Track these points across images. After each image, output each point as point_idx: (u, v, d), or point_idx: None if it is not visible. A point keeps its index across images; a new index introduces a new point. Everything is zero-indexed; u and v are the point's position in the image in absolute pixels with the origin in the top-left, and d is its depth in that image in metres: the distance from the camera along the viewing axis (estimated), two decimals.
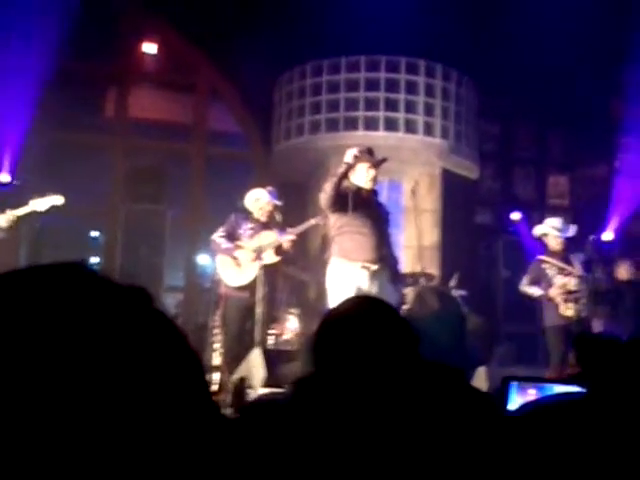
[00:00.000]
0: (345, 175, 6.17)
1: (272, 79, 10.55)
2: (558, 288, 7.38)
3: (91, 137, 10.84)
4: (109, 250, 10.22)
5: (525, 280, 7.64)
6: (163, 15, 10.62)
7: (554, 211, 11.44)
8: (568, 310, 7.32)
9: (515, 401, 2.14)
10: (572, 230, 7.68)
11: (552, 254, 7.56)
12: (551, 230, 7.63)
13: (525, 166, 12.25)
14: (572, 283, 7.42)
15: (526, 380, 2.24)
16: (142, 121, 11.05)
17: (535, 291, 7.50)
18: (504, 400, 2.18)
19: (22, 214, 6.55)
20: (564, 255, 7.57)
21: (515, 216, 10.73)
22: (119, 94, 11.04)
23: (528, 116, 11.87)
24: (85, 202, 10.29)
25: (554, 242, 7.57)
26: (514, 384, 2.19)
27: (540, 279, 7.52)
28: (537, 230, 7.81)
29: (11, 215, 6.40)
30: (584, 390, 1.96)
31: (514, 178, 12.17)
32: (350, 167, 6.19)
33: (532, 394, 2.15)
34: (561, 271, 7.46)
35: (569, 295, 7.38)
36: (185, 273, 10.76)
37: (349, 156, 6.17)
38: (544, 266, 7.56)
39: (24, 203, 6.65)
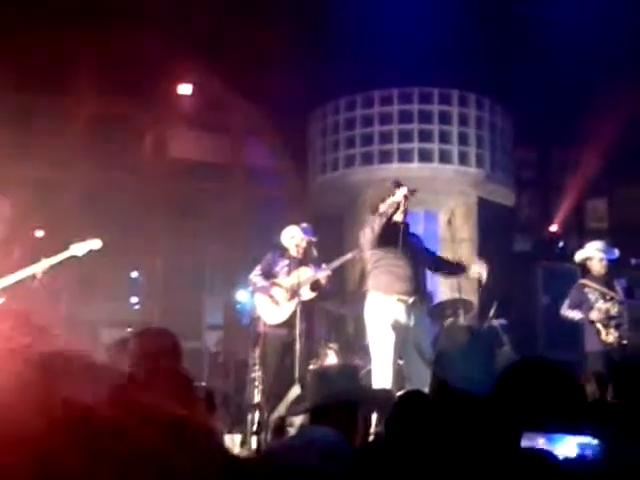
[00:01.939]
0: (394, 214, 6.18)
1: (306, 115, 10.63)
2: (600, 313, 7.27)
3: (130, 180, 11.00)
4: (149, 289, 10.32)
5: (566, 304, 7.54)
6: (197, 56, 10.78)
7: (593, 235, 11.35)
8: (609, 336, 7.21)
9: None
10: (616, 252, 7.57)
11: (594, 278, 7.45)
12: (595, 253, 7.51)
13: (562, 191, 12.17)
14: (614, 309, 7.31)
15: (535, 430, 2.15)
16: (180, 161, 11.20)
17: (575, 315, 7.40)
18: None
19: (59, 260, 6.61)
20: (606, 279, 7.46)
21: (553, 229, 10.66)
22: (156, 136, 11.20)
23: (564, 141, 11.80)
24: (124, 244, 10.43)
25: (598, 266, 7.46)
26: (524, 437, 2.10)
27: (581, 303, 7.41)
28: (580, 254, 7.70)
29: (46, 264, 6.47)
30: (597, 444, 1.93)
31: (552, 204, 12.09)
32: (399, 206, 6.19)
33: (541, 444, 2.08)
34: (603, 296, 7.35)
35: (610, 321, 7.27)
36: (224, 311, 10.82)
37: (399, 195, 6.16)
38: (586, 290, 7.45)
39: (61, 248, 6.73)
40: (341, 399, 3.35)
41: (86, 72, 10.70)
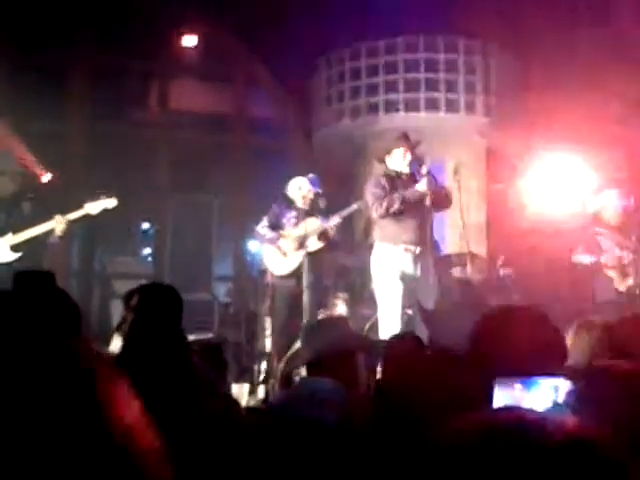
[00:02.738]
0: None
1: (310, 65, 10.57)
2: (613, 259, 7.19)
3: (135, 131, 11.02)
4: (160, 241, 10.40)
5: (579, 249, 7.47)
6: (201, 7, 10.71)
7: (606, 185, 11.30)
8: (621, 285, 7.16)
9: (500, 398, 2.07)
10: (631, 201, 7.46)
11: (609, 227, 7.37)
12: (609, 201, 7.42)
13: None
14: (628, 257, 7.23)
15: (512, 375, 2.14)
16: (184, 113, 11.20)
17: (585, 258, 7.30)
18: (488, 399, 2.09)
19: (75, 217, 6.69)
20: (621, 228, 7.36)
21: None
22: (161, 87, 11.19)
23: (574, 87, 11.69)
24: (133, 196, 10.49)
25: (612, 214, 7.37)
26: (498, 380, 2.10)
27: (595, 249, 7.33)
28: (594, 203, 7.60)
29: (65, 221, 6.56)
30: (571, 390, 1.95)
31: None
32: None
33: (518, 389, 2.09)
34: (618, 244, 7.28)
35: (623, 269, 7.20)
36: (234, 262, 10.91)
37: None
38: (598, 238, 7.38)
39: (75, 204, 6.79)
40: (334, 349, 3.41)
41: (89, 24, 10.67)
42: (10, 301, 2.31)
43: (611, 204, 7.38)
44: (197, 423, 2.56)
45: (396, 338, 4.41)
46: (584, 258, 7.29)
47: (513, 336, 2.17)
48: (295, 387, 3.77)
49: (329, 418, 2.91)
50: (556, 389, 2.04)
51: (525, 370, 2.11)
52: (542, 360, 2.15)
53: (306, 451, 2.64)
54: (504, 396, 2.07)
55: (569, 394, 1.99)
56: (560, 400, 2.01)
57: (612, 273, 7.19)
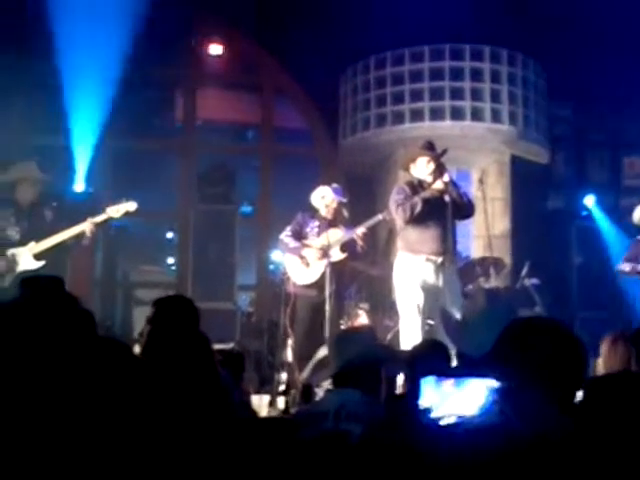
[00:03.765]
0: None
1: (336, 74, 10.55)
2: None
3: (161, 141, 11.05)
4: (183, 251, 10.41)
5: (622, 259, 7.48)
6: (227, 16, 10.73)
7: (630, 192, 11.20)
8: None
9: (430, 396, 2.22)
10: None
11: None
12: None
13: (598, 148, 11.99)
14: None
15: (443, 374, 2.30)
16: (210, 122, 11.22)
17: (627, 266, 7.30)
18: (415, 395, 2.25)
19: (99, 221, 6.72)
20: None
21: (589, 200, 10.53)
22: (187, 97, 11.21)
23: (599, 97, 11.60)
24: (158, 205, 10.52)
25: None
26: (429, 378, 2.25)
27: (636, 257, 7.32)
28: (637, 212, 7.58)
29: (92, 223, 6.59)
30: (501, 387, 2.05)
31: (587, 161, 11.93)
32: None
33: (448, 385, 2.23)
34: None
35: None
36: (257, 271, 10.89)
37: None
38: None
39: (99, 210, 6.81)
40: (364, 361, 3.37)
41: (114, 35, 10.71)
42: (18, 308, 2.29)
43: None
44: (219, 431, 2.53)
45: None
46: (624, 267, 7.29)
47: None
48: (323, 399, 3.74)
49: (356, 431, 2.88)
50: (489, 389, 2.12)
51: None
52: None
53: (334, 464, 2.62)
54: (434, 392, 2.21)
55: (496, 394, 2.09)
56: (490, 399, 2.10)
57: None
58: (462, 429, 2.06)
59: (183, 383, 2.58)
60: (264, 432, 2.84)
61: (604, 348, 4.11)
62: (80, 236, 6.60)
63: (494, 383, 2.16)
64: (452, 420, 2.20)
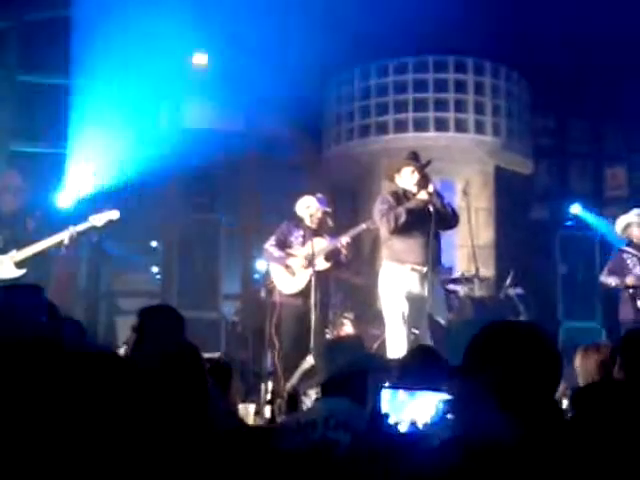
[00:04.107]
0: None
1: (320, 84, 10.58)
2: (636, 279, 7.17)
3: (145, 150, 11.01)
4: (167, 260, 10.38)
5: (605, 270, 7.48)
6: (210, 26, 10.74)
7: (612, 203, 11.29)
8: None
9: (386, 401, 2.40)
10: None
11: (634, 245, 7.38)
12: (635, 218, 7.42)
13: (581, 159, 12.08)
14: None
15: (397, 386, 2.50)
16: (194, 132, 11.20)
17: (613, 280, 7.30)
18: (377, 406, 2.40)
19: (82, 230, 6.70)
20: None
21: (575, 209, 10.59)
22: (172, 106, 11.20)
23: (582, 108, 11.70)
24: (142, 215, 10.48)
25: (637, 231, 7.38)
26: (386, 390, 2.43)
27: (620, 269, 7.33)
28: (620, 222, 7.59)
29: (74, 231, 6.56)
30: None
31: (570, 172, 12.01)
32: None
33: (402, 394, 2.42)
34: None
35: None
36: (242, 281, 10.87)
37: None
38: (625, 256, 7.37)
39: (83, 219, 6.80)
40: (352, 369, 3.38)
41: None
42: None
43: (635, 220, 7.39)
44: (208, 440, 2.53)
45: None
46: (611, 280, 7.29)
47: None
48: (312, 407, 3.74)
49: (345, 440, 2.90)
50: (441, 401, 2.32)
51: None
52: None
53: (322, 474, 2.64)
54: (390, 400, 2.39)
55: (447, 406, 2.27)
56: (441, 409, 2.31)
57: (633, 292, 7.15)
58: (415, 438, 2.24)
59: (170, 392, 2.58)
60: (252, 441, 2.84)
61: (577, 360, 4.16)
62: (60, 245, 6.58)
63: (446, 395, 2.32)
64: (406, 427, 2.36)
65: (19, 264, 6.54)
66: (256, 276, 10.55)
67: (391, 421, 2.38)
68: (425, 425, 2.32)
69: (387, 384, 2.60)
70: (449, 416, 2.27)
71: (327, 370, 3.42)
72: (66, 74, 10.04)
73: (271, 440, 3.26)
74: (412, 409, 2.39)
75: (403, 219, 6.33)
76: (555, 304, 9.93)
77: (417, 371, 3.61)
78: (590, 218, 10.21)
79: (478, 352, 2.16)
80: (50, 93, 10.16)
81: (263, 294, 7.69)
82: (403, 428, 2.35)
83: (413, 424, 2.35)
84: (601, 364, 3.91)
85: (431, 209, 6.38)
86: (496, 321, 2.45)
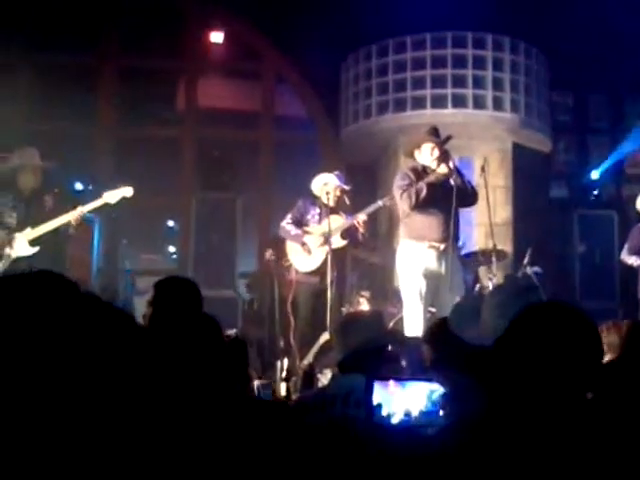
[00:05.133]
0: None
1: (338, 62, 10.50)
2: None
3: (162, 130, 11.01)
4: (184, 239, 10.39)
5: (625, 249, 7.39)
6: (227, 4, 10.69)
7: (631, 181, 11.18)
8: None
9: (378, 392, 2.45)
10: None
11: None
12: None
13: (600, 136, 11.94)
14: None
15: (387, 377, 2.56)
16: (211, 111, 11.18)
17: (635, 260, 7.22)
18: (369, 397, 2.44)
19: (93, 208, 6.68)
20: None
21: (594, 175, 10.49)
22: (188, 86, 11.17)
23: (602, 85, 11.56)
24: (159, 193, 10.49)
25: None
26: (377, 381, 2.49)
27: (636, 249, 7.24)
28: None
29: (80, 212, 6.54)
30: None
31: (589, 149, 11.88)
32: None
33: (392, 385, 2.46)
34: None
35: None
36: (258, 258, 10.85)
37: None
38: None
39: (97, 197, 6.79)
40: (371, 346, 3.35)
41: (115, 23, 10.70)
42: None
43: None
44: (234, 411, 2.49)
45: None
46: (632, 260, 7.21)
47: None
48: (331, 384, 3.71)
49: (361, 416, 2.87)
50: (432, 392, 2.38)
51: None
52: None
53: (341, 450, 2.61)
54: (381, 391, 2.43)
55: (441, 397, 2.33)
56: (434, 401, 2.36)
57: None
58: (408, 429, 2.28)
59: (192, 363, 2.54)
60: (272, 415, 2.81)
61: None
62: (69, 225, 6.57)
63: (437, 387, 2.37)
64: (399, 418, 2.40)
65: (33, 242, 6.54)
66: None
67: (384, 412, 2.37)
68: (419, 415, 2.32)
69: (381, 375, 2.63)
70: (442, 410, 2.30)
71: (345, 346, 3.39)
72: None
73: (290, 415, 3.23)
74: (404, 399, 2.42)
75: (424, 194, 6.27)
76: (573, 283, 9.87)
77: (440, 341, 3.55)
78: (610, 161, 10.10)
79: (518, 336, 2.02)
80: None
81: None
82: (396, 419, 2.35)
83: (407, 415, 2.35)
84: (621, 344, 3.86)
85: (452, 183, 6.32)
86: (540, 304, 2.32)
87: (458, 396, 2.15)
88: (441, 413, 2.27)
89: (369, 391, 2.41)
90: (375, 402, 2.41)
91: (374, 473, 2.14)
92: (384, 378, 2.48)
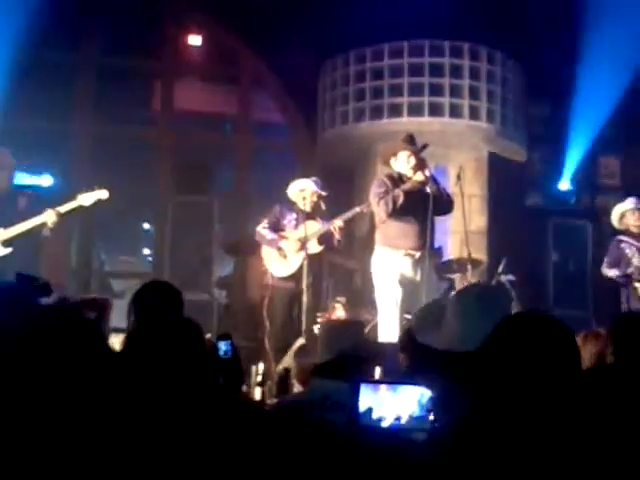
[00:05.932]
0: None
1: (315, 68, 10.52)
2: (635, 268, 7.14)
3: (138, 131, 10.97)
4: (159, 242, 10.36)
5: (605, 262, 7.44)
6: (206, 7, 10.68)
7: (605, 192, 11.29)
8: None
9: (366, 397, 2.43)
10: None
11: (631, 234, 7.34)
12: (628, 206, 7.37)
13: (575, 147, 12.02)
14: None
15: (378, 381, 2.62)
16: (188, 114, 11.16)
17: (615, 273, 7.27)
18: (355, 402, 2.43)
19: (68, 210, 6.64)
20: None
21: (563, 185, 10.59)
22: (165, 88, 11.14)
23: (577, 96, 11.65)
24: (134, 196, 10.44)
25: (632, 220, 7.32)
26: (366, 385, 2.46)
27: (620, 260, 7.29)
28: (615, 212, 7.53)
29: (55, 212, 6.49)
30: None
31: (564, 159, 11.97)
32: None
33: (383, 389, 2.45)
34: (639, 251, 7.22)
35: None
36: (234, 263, 10.84)
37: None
38: (622, 246, 7.33)
39: (72, 199, 6.75)
40: (351, 353, 3.38)
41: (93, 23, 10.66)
42: None
43: (629, 207, 7.36)
44: (217, 416, 2.50)
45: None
46: (613, 273, 7.26)
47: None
48: (306, 390, 3.72)
49: (341, 419, 2.89)
50: (422, 396, 2.38)
51: None
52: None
53: (318, 453, 2.62)
54: (370, 395, 2.42)
55: (430, 401, 2.34)
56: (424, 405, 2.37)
57: (637, 284, 7.12)
58: (398, 433, 2.28)
59: (176, 367, 2.54)
60: (251, 419, 2.81)
61: None
62: (44, 226, 6.52)
63: (426, 391, 2.38)
64: (390, 422, 2.39)
65: (6, 242, 6.49)
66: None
67: (374, 416, 2.38)
68: (409, 419, 2.33)
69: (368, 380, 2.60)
70: (431, 415, 2.32)
71: (326, 351, 3.41)
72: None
73: (268, 419, 3.24)
74: (394, 404, 2.41)
75: (401, 201, 6.31)
76: (546, 291, 9.95)
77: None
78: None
79: (498, 344, 2.07)
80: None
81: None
82: (386, 423, 2.36)
83: (397, 419, 2.36)
84: (598, 352, 3.91)
85: (428, 191, 6.37)
86: (521, 313, 2.38)
87: (439, 402, 2.17)
88: (430, 417, 2.28)
89: (355, 394, 2.39)
90: (365, 406, 2.40)
91: (356, 477, 2.16)
92: (375, 382, 2.51)
